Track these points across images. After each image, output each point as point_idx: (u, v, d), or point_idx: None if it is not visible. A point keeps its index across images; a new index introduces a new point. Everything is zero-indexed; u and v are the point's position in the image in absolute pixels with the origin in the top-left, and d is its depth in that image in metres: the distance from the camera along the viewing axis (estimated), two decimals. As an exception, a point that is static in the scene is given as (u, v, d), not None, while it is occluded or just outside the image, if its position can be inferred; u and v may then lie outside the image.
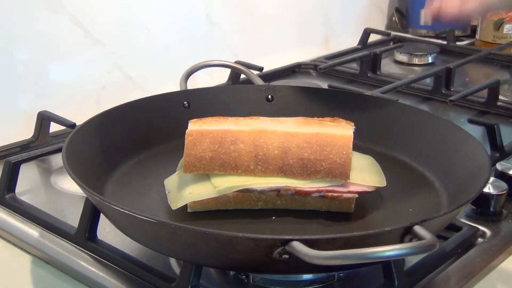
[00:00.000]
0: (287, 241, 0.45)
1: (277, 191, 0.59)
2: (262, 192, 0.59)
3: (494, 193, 0.67)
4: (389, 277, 0.53)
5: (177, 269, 0.56)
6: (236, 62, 1.10)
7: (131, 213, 0.50)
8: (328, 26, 1.33)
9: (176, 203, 0.59)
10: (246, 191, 0.59)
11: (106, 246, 0.59)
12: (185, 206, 0.59)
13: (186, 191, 0.59)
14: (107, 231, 0.60)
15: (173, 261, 0.58)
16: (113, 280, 0.56)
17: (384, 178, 0.62)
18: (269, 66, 1.11)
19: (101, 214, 0.58)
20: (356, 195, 0.60)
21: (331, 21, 1.34)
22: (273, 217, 0.60)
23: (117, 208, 0.51)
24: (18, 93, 0.89)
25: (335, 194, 0.59)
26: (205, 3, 1.10)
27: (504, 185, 0.68)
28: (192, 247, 0.49)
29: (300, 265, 0.46)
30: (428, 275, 0.57)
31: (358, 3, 1.41)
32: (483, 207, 0.67)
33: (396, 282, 0.53)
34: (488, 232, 0.64)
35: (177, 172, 0.64)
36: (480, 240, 0.63)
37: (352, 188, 0.59)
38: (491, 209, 0.67)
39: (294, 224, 0.59)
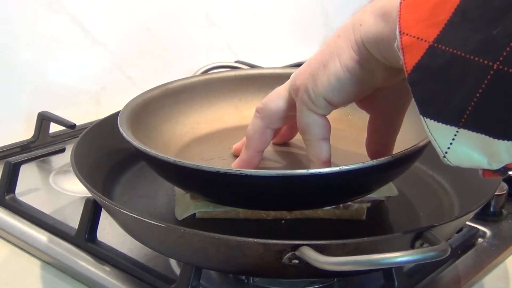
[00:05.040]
0: (297, 246, 0.45)
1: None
2: None
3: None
4: (389, 278, 0.52)
5: (177, 270, 0.56)
6: (236, 62, 1.10)
7: (141, 218, 0.50)
8: (328, 26, 1.33)
9: (181, 214, 0.59)
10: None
11: (106, 247, 0.58)
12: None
13: (192, 201, 0.59)
14: (107, 232, 0.60)
15: (173, 262, 0.58)
16: (113, 280, 0.56)
17: (395, 187, 0.61)
18: (269, 65, 1.10)
19: (101, 215, 0.58)
20: (368, 204, 0.59)
21: (331, 21, 1.33)
22: (282, 221, 0.59)
23: (126, 213, 0.51)
24: (18, 93, 0.89)
25: (347, 204, 0.58)
26: (205, 3, 1.10)
27: (504, 185, 0.67)
28: (201, 251, 0.49)
29: (310, 270, 0.45)
30: (428, 276, 0.57)
31: (358, 3, 1.41)
32: (483, 207, 0.67)
33: (396, 283, 0.52)
34: (488, 232, 0.64)
35: None
36: (480, 240, 0.63)
37: (364, 198, 0.58)
38: (491, 209, 0.67)
39: (304, 229, 0.58)
